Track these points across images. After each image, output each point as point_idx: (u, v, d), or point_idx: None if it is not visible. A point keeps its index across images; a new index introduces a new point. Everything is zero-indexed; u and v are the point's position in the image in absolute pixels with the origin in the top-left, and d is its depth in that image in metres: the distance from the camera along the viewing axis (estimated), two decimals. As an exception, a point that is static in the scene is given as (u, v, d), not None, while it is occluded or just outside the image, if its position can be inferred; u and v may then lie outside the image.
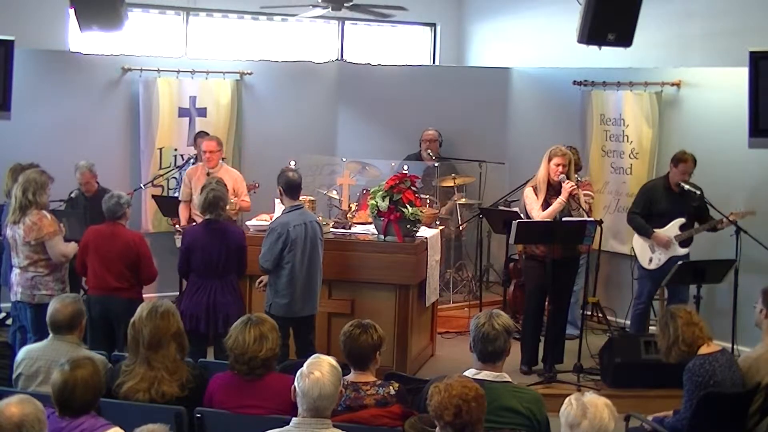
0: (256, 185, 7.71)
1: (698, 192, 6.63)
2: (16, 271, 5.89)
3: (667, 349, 4.46)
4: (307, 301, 5.86)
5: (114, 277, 5.76)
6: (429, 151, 8.57)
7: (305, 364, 3.42)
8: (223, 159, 8.24)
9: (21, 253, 5.83)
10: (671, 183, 6.72)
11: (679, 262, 6.20)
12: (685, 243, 6.71)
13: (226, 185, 6.04)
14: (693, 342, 4.39)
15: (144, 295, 6.01)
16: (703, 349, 4.40)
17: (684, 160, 6.65)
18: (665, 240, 6.68)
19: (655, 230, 6.72)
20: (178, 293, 7.08)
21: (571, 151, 6.59)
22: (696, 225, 6.74)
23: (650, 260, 6.78)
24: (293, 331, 5.83)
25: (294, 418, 3.40)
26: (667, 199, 6.75)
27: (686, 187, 6.67)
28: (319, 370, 3.36)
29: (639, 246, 6.88)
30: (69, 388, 3.44)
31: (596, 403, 3.07)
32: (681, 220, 6.69)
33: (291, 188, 5.83)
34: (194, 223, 6.55)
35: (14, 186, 5.99)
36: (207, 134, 7.96)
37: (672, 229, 6.70)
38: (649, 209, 6.78)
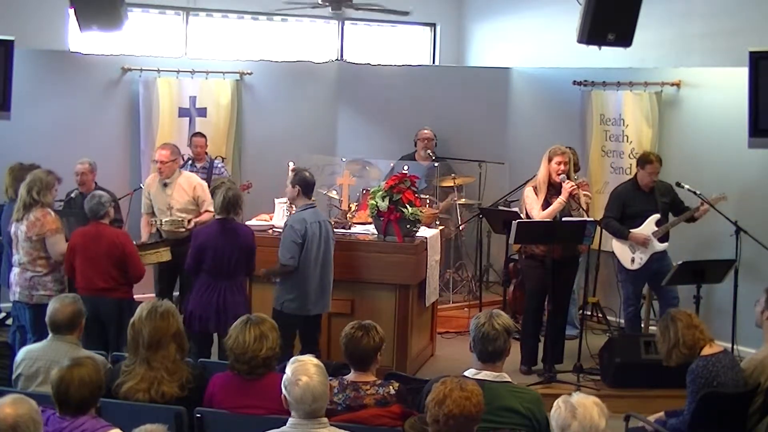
0: (250, 185, 7.70)
1: (698, 192, 6.63)
2: (15, 270, 5.90)
3: (667, 353, 4.45)
4: (320, 299, 5.89)
5: (102, 277, 5.73)
6: (428, 150, 8.57)
7: (290, 371, 3.37)
8: (222, 159, 8.27)
9: (21, 249, 5.85)
10: (640, 184, 6.76)
11: (680, 262, 6.20)
12: (662, 238, 6.73)
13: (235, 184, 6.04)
14: (694, 344, 4.39)
15: (145, 296, 6.01)
16: (706, 350, 4.40)
17: (650, 162, 6.69)
18: (643, 238, 6.69)
19: (631, 230, 6.72)
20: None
21: (570, 151, 6.60)
22: (671, 218, 6.76)
23: (632, 260, 6.78)
24: (301, 330, 5.85)
25: (290, 419, 3.39)
26: (638, 199, 6.77)
27: (686, 186, 6.68)
28: (305, 375, 3.34)
29: (619, 249, 6.87)
30: (65, 384, 3.45)
31: (584, 403, 3.07)
32: (656, 216, 6.71)
33: (308, 187, 5.89)
34: (206, 223, 6.55)
35: (20, 185, 6.02)
36: (201, 134, 7.96)
37: (648, 226, 6.71)
38: (623, 212, 6.80)
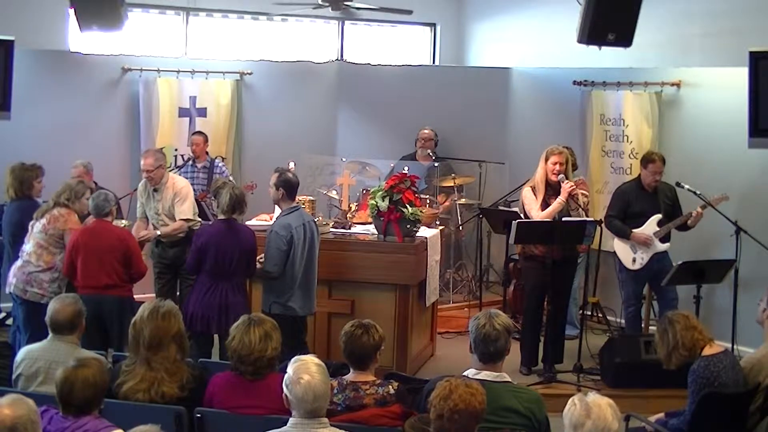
0: (254, 185, 7.70)
1: (698, 192, 6.63)
2: (17, 263, 5.94)
3: (667, 356, 4.45)
4: (306, 301, 5.86)
5: (106, 273, 5.73)
6: (429, 150, 8.58)
7: (291, 370, 3.39)
8: (222, 159, 8.27)
9: (32, 239, 5.90)
10: (644, 184, 6.75)
11: (680, 262, 6.20)
12: (664, 239, 6.73)
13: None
14: (693, 346, 4.39)
15: (145, 296, 6.00)
16: (707, 351, 4.39)
17: (652, 161, 6.68)
18: (645, 238, 6.69)
19: (633, 230, 6.72)
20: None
21: (567, 151, 6.59)
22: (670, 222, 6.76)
23: (634, 260, 6.78)
24: (287, 333, 5.83)
25: (291, 419, 3.40)
26: (641, 199, 6.76)
27: (686, 186, 6.68)
28: (307, 373, 3.35)
29: (620, 248, 6.86)
30: (69, 384, 3.46)
31: (600, 403, 3.07)
32: (658, 216, 6.70)
33: (291, 189, 5.84)
34: (209, 222, 6.55)
35: (20, 184, 6.29)
36: (201, 133, 7.95)
37: (650, 226, 6.70)
38: (625, 211, 6.80)
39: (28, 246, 5.93)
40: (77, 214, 5.99)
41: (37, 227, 5.91)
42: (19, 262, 5.94)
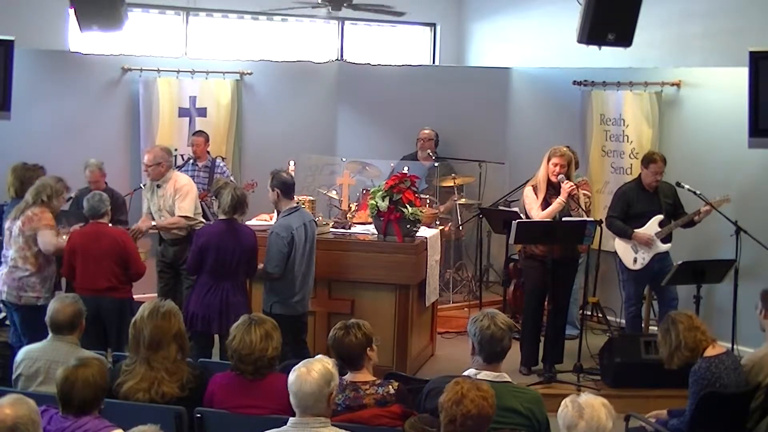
0: (255, 183, 7.70)
1: (698, 192, 6.63)
2: (3, 270, 5.88)
3: (669, 356, 4.44)
4: (306, 299, 5.90)
5: (104, 276, 5.73)
6: (428, 150, 8.58)
7: (300, 363, 3.45)
8: (223, 159, 8.28)
9: (14, 244, 5.82)
10: (644, 184, 6.75)
11: (679, 262, 6.20)
12: (665, 239, 6.72)
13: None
14: (696, 346, 4.39)
15: (146, 295, 5.99)
16: (709, 351, 4.39)
17: (654, 161, 6.68)
18: (646, 238, 6.68)
19: (635, 230, 6.72)
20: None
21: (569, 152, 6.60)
22: (672, 221, 6.75)
23: (635, 260, 6.78)
24: (288, 331, 5.85)
25: (291, 418, 3.41)
26: (642, 199, 6.76)
27: (687, 187, 6.68)
28: (306, 367, 3.39)
29: (621, 248, 6.86)
30: (69, 383, 3.46)
31: (592, 403, 3.07)
32: (659, 217, 6.70)
33: (288, 189, 5.84)
34: (210, 222, 6.56)
35: (21, 184, 6.16)
36: (202, 133, 7.95)
37: (652, 226, 6.70)
38: (626, 212, 6.79)
39: (10, 252, 5.85)
40: (53, 212, 5.90)
41: (14, 231, 5.82)
42: (5, 269, 5.86)
